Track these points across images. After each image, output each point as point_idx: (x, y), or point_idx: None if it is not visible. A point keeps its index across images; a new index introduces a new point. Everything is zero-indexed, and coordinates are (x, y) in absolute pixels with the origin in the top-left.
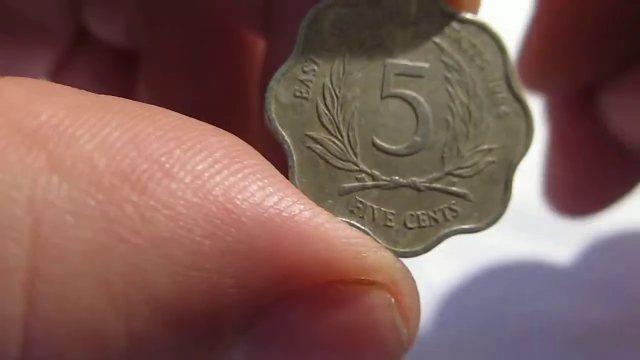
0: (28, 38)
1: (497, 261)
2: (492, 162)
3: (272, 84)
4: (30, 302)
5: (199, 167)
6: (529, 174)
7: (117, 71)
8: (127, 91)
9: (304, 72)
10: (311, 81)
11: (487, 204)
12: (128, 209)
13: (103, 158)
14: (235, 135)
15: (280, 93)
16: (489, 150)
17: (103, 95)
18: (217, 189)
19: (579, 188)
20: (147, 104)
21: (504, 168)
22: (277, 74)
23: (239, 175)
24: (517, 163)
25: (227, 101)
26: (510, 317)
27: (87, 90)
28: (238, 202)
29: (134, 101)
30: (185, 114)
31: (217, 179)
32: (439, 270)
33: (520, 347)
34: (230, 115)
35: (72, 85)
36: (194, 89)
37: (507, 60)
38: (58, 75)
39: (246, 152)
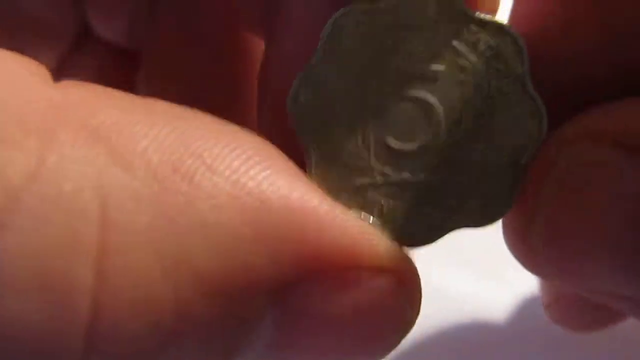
0: (31, 36)
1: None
2: (501, 161)
3: (295, 82)
4: (100, 274)
5: (236, 163)
6: None
7: (119, 68)
8: (128, 88)
9: (324, 73)
10: (330, 82)
11: (493, 201)
12: (179, 197)
13: (156, 153)
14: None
15: (301, 92)
16: (499, 150)
17: (147, 98)
18: (251, 182)
19: (573, 312)
20: (184, 107)
21: (512, 167)
22: (300, 74)
23: (269, 171)
24: (526, 163)
25: (228, 99)
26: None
27: None
28: (269, 194)
29: (173, 104)
30: None
31: (251, 173)
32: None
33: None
34: (230, 114)
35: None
36: (194, 87)
37: (525, 61)
38: (60, 72)
39: (273, 152)
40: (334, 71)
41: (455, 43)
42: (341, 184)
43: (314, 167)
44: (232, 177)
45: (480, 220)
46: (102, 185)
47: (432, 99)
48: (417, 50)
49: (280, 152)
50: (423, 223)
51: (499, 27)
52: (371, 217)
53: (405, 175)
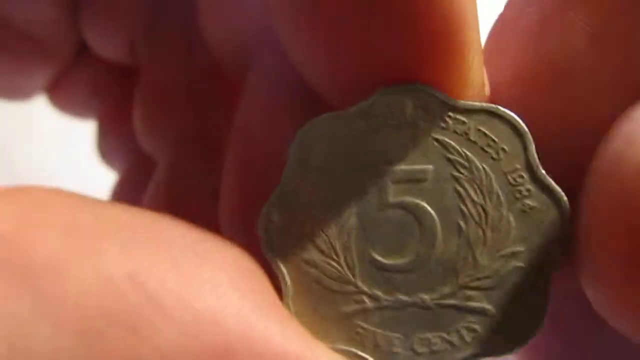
0: (29, 54)
1: None
2: (519, 267)
3: (266, 209)
4: None
5: (200, 305)
6: None
7: (116, 85)
8: (124, 105)
9: (297, 194)
10: (305, 202)
11: (515, 320)
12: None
13: (94, 298)
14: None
15: (273, 218)
16: (514, 254)
17: (104, 209)
18: (218, 329)
19: None
20: (152, 213)
21: (534, 273)
22: (271, 198)
23: (244, 311)
24: (553, 265)
25: (221, 128)
26: None
27: (84, 102)
28: (239, 345)
29: (137, 213)
30: (178, 136)
31: (219, 316)
32: None
33: None
34: (224, 142)
35: (70, 98)
36: (188, 111)
37: (528, 145)
38: (56, 88)
39: (251, 278)
40: (307, 187)
41: (440, 137)
42: (323, 314)
43: (290, 297)
44: (193, 328)
45: (500, 347)
46: (16, 346)
47: (421, 202)
48: (398, 152)
49: (259, 270)
50: (428, 355)
51: (489, 111)
52: (362, 352)
53: (400, 296)
